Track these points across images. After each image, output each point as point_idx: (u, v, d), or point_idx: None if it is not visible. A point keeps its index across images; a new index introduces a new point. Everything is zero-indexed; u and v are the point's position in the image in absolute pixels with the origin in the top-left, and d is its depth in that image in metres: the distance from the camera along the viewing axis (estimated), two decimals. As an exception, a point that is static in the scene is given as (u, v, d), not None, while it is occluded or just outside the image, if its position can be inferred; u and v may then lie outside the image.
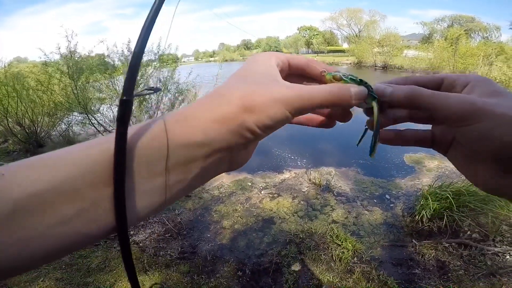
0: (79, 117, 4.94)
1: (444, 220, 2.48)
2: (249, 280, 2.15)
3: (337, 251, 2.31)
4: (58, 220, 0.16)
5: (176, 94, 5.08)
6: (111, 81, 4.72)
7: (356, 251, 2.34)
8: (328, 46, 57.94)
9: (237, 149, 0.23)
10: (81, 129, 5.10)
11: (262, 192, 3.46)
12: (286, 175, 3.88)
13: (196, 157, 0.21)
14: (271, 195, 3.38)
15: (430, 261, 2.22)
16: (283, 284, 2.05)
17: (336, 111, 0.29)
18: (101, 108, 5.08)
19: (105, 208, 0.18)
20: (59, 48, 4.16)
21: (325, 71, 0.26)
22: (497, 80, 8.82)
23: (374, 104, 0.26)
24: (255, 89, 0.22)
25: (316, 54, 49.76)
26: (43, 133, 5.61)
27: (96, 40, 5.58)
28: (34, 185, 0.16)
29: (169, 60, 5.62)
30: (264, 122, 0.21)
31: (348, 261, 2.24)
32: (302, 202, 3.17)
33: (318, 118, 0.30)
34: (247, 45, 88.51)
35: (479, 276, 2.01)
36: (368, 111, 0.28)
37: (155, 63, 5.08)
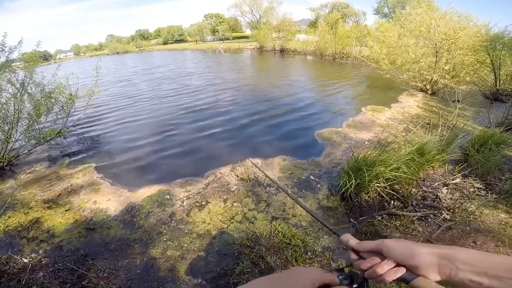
0: None
1: (369, 194, 2.69)
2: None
3: (290, 252, 2.17)
4: None
5: (42, 99, 3.80)
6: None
7: (307, 245, 2.26)
8: (233, 32, 58.59)
9: None
10: None
11: (185, 204, 2.96)
12: (210, 177, 3.48)
13: None
14: (198, 205, 2.92)
15: (374, 238, 2.33)
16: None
17: None
18: None
19: None
20: None
21: None
22: (370, 58, 10.82)
23: None
24: None
25: (222, 41, 49.46)
26: None
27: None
28: None
29: (29, 60, 4.24)
30: None
31: (304, 258, 2.13)
32: (236, 204, 2.88)
33: None
34: (143, 35, 79.08)
35: (420, 245, 2.23)
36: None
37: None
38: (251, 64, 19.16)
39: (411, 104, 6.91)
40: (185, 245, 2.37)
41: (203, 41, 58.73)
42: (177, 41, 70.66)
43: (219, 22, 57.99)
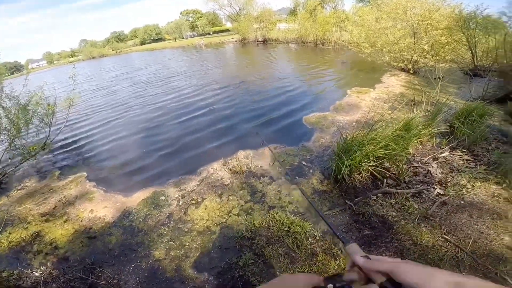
0: None
1: (362, 174, 2.72)
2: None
3: (290, 239, 2.21)
4: None
5: (19, 112, 3.65)
6: None
7: (306, 231, 2.29)
8: (213, 27, 57.41)
9: None
10: None
11: (181, 203, 2.97)
12: (203, 174, 3.48)
13: None
14: (194, 202, 2.94)
15: (372, 218, 2.39)
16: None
17: None
18: None
19: None
20: None
21: None
22: (351, 42, 10.91)
23: None
24: None
25: (202, 36, 48.43)
26: None
27: None
28: None
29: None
30: None
31: (305, 245, 2.17)
32: (231, 198, 2.91)
33: None
34: (119, 37, 76.38)
35: (418, 222, 2.27)
36: None
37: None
38: (235, 57, 18.91)
39: (394, 83, 7.07)
40: (187, 243, 2.39)
41: (182, 38, 57.35)
42: (155, 41, 68.63)
43: (198, 18, 56.64)
